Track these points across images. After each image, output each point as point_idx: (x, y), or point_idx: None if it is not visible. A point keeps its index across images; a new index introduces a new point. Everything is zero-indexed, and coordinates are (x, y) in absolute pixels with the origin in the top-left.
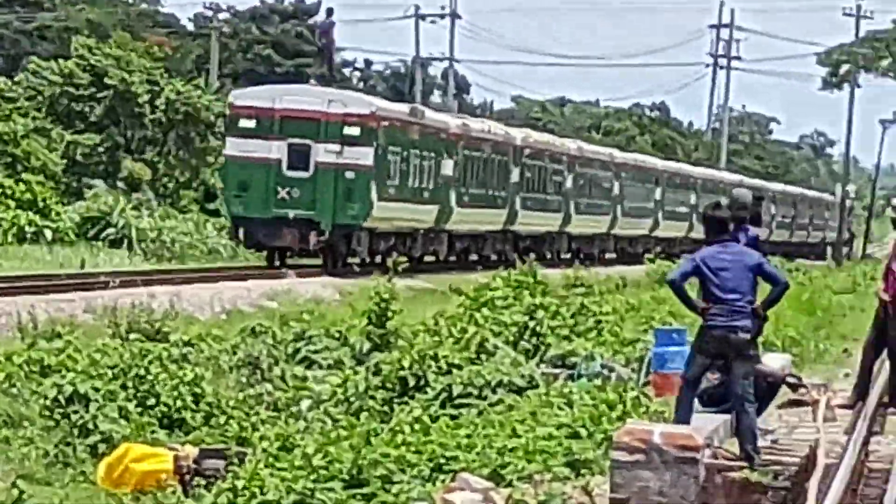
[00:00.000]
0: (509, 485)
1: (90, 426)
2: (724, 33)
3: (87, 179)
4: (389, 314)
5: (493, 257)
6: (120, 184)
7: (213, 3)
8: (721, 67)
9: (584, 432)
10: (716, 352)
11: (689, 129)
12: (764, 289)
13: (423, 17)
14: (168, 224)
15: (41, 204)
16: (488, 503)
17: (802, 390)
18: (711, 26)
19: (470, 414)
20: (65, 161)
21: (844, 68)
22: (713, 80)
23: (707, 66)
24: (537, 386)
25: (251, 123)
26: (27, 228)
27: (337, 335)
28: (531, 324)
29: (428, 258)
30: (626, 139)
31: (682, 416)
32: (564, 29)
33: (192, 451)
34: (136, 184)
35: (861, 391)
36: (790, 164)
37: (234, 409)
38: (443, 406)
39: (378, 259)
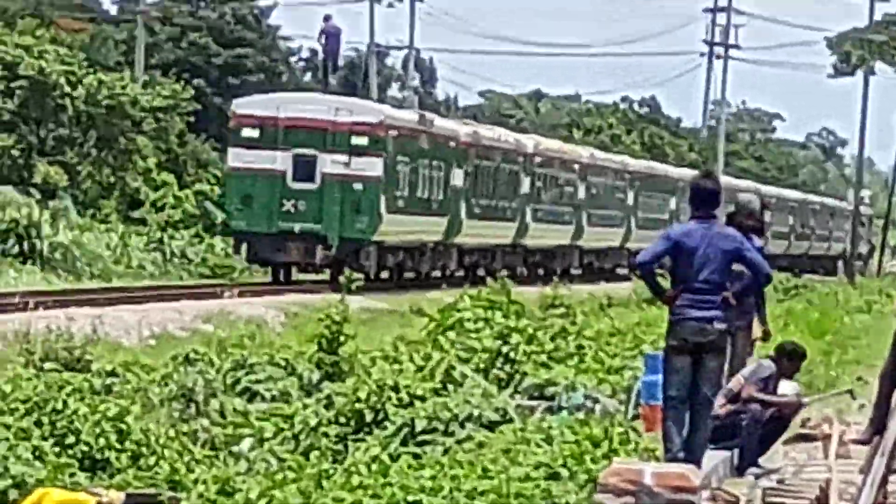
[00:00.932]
0: None
1: None
2: (721, 18)
3: None
4: (342, 339)
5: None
6: (33, 190)
7: None
8: (717, 57)
9: (565, 473)
10: (693, 348)
11: (680, 127)
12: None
13: (379, 0)
14: (88, 237)
15: None
16: None
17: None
18: (706, 10)
19: (435, 452)
20: None
21: (857, 55)
22: (708, 71)
23: (702, 55)
24: (512, 420)
25: (254, 133)
26: None
27: (282, 363)
28: (504, 349)
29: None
30: (610, 138)
31: (671, 448)
32: (540, 14)
33: (118, 496)
34: (51, 190)
35: (878, 424)
36: (796, 166)
37: (166, 448)
38: (404, 443)
39: (385, 275)
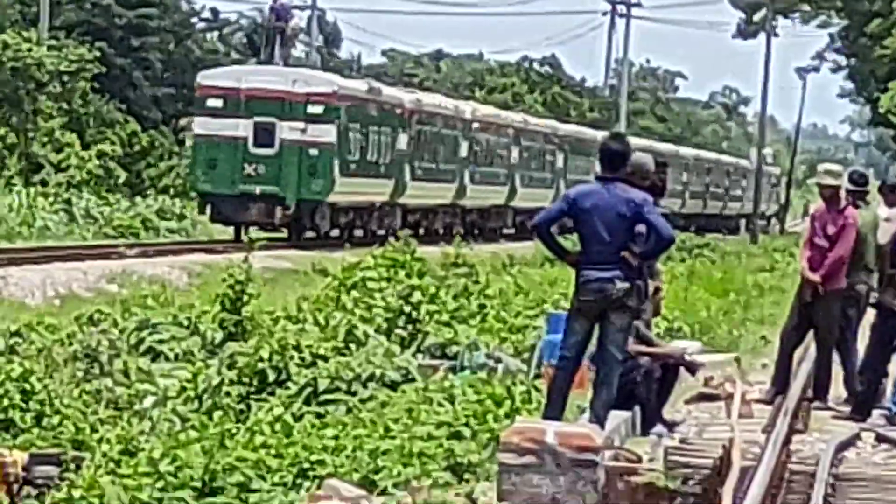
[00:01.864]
0: (383, 492)
1: None
2: None
3: None
4: (245, 299)
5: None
6: None
7: None
8: (620, 15)
9: (467, 432)
10: (596, 310)
11: (584, 86)
12: None
13: None
14: None
15: None
16: None
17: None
18: None
19: (338, 412)
20: None
21: (760, 14)
22: (610, 30)
23: (604, 14)
24: (414, 380)
25: (218, 103)
26: None
27: (186, 323)
28: (406, 309)
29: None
30: (512, 96)
31: (549, 408)
32: None
33: (21, 456)
34: None
35: (781, 384)
36: (699, 125)
37: (69, 408)
38: (307, 403)
39: (337, 233)
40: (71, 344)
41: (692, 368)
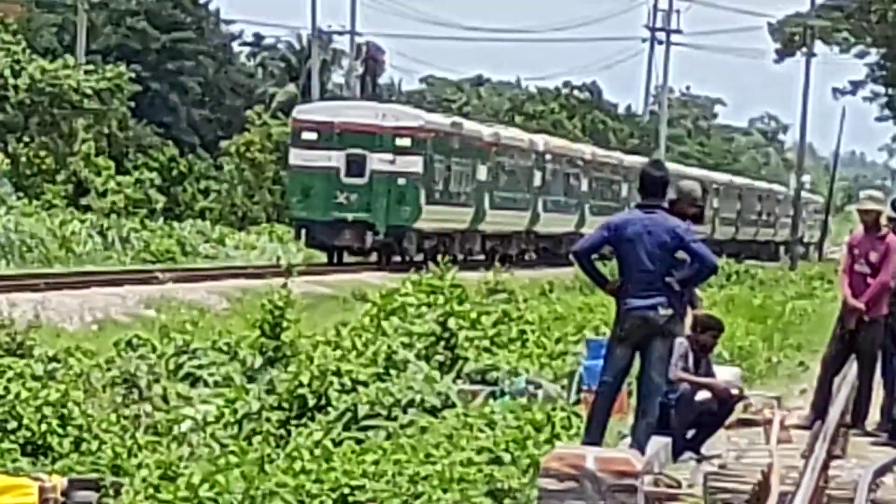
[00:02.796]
0: None
1: None
2: (663, 3)
3: None
4: (284, 324)
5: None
6: None
7: None
8: (659, 42)
9: (507, 457)
10: (637, 337)
11: (624, 113)
12: None
13: None
14: (30, 222)
15: None
16: None
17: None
18: None
19: (378, 437)
20: None
21: (798, 39)
22: (650, 56)
23: (643, 40)
24: (454, 405)
25: (313, 136)
26: None
27: (225, 348)
28: (446, 335)
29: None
30: (551, 123)
31: (590, 433)
32: None
33: (60, 481)
34: None
35: (819, 410)
36: (737, 151)
37: (108, 433)
38: (347, 428)
39: (421, 257)
40: (109, 369)
41: (735, 401)
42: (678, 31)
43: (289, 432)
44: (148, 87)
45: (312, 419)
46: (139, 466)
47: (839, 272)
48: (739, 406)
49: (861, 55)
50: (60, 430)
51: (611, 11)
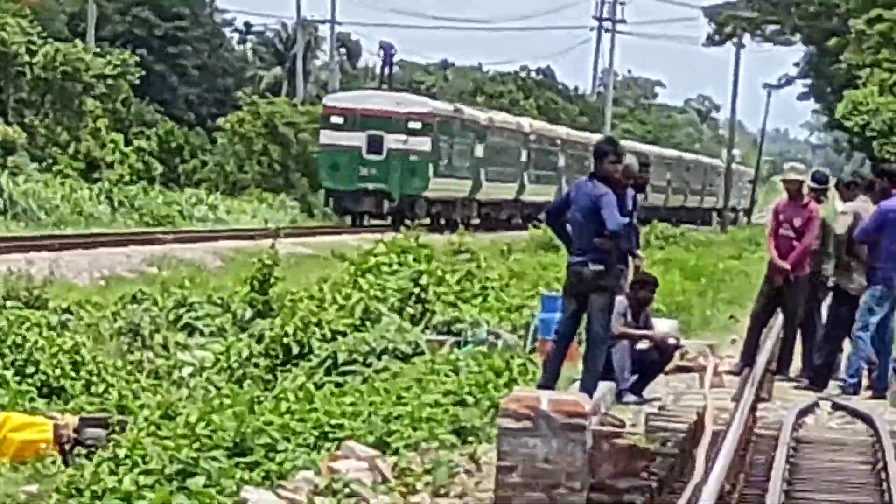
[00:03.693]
0: (395, 453)
1: None
2: None
3: None
4: (272, 281)
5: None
6: None
7: None
8: (606, 31)
9: (470, 399)
10: (576, 291)
11: (574, 94)
12: None
13: None
14: (45, 189)
15: None
16: (374, 471)
17: (685, 354)
18: None
19: (355, 381)
20: None
21: (730, 28)
22: (597, 43)
23: (592, 29)
24: (423, 353)
25: (339, 119)
26: None
27: (219, 302)
28: (416, 290)
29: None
30: (510, 102)
31: (544, 377)
32: None
33: (72, 419)
34: (10, 148)
35: (748, 358)
36: (674, 127)
37: (115, 377)
38: (327, 373)
39: (429, 221)
40: (116, 320)
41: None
42: (622, 21)
43: (275, 377)
44: (151, 70)
45: (296, 365)
46: (142, 407)
47: (766, 236)
48: (677, 354)
49: (786, 43)
50: (73, 374)
51: (563, 3)
